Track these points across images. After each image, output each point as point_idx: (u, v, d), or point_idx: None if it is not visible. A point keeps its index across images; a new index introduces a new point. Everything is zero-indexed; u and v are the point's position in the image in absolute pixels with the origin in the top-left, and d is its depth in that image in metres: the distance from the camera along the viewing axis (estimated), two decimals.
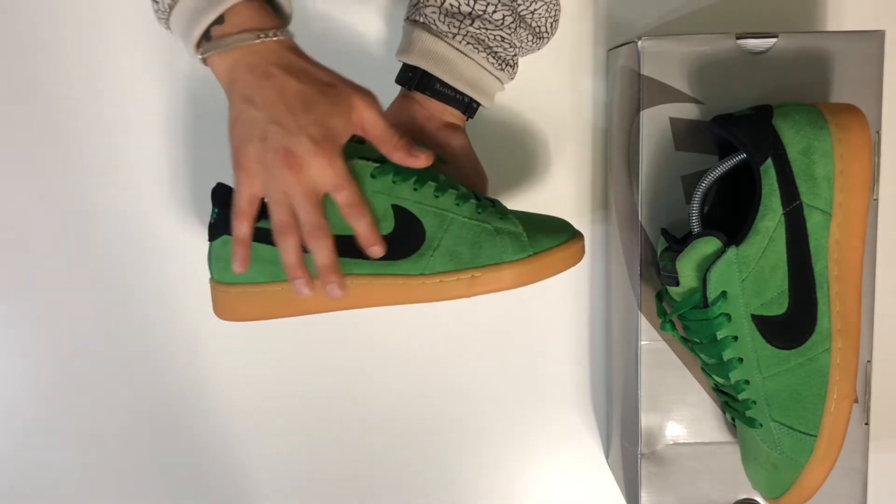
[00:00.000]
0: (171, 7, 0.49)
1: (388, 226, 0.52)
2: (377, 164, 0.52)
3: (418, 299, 0.53)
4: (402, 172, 0.52)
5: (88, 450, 0.72)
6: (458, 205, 0.53)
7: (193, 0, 0.47)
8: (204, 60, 0.50)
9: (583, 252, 0.55)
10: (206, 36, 0.48)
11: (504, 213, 0.54)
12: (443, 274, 0.53)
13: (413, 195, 0.53)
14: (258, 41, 0.48)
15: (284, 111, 0.48)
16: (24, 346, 0.70)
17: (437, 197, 0.53)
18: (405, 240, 0.53)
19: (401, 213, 0.52)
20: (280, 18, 0.51)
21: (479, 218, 0.53)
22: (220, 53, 0.48)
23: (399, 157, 0.51)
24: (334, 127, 0.48)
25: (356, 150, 0.53)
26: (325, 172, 0.48)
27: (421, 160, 0.52)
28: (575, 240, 0.55)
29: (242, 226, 0.50)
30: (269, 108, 0.48)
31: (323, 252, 0.50)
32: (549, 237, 0.54)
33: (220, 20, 0.48)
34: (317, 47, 0.67)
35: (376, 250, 0.51)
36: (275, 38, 0.48)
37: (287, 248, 0.50)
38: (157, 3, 0.49)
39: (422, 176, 0.53)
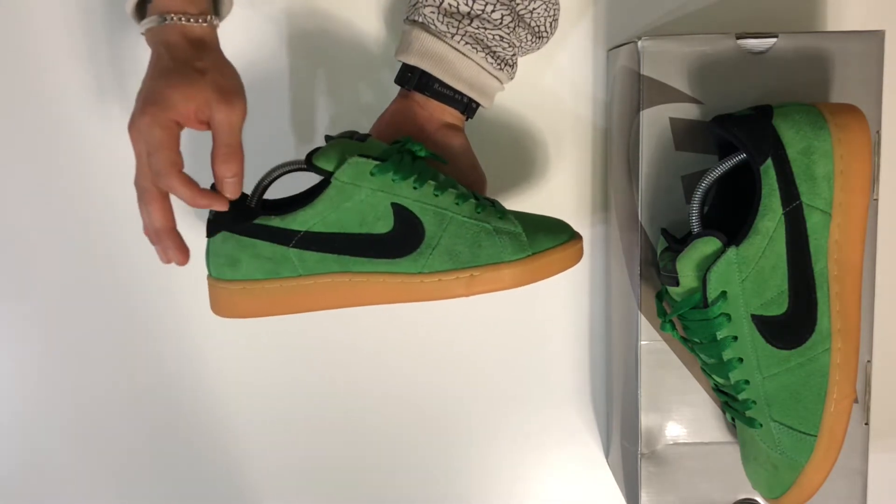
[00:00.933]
0: None
1: (387, 224, 0.52)
2: (377, 162, 0.52)
3: (417, 298, 0.53)
4: (402, 171, 0.52)
5: (89, 449, 0.72)
6: (457, 204, 0.53)
7: None
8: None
9: (581, 253, 0.56)
10: (143, 13, 0.52)
11: (503, 212, 0.54)
12: (442, 273, 0.53)
13: (412, 194, 0.53)
14: (161, 24, 0.51)
15: (145, 81, 0.51)
16: (24, 346, 0.70)
17: (436, 196, 0.53)
18: (404, 238, 0.53)
19: (400, 212, 0.52)
20: (211, 6, 0.53)
21: (478, 217, 0.53)
22: (147, 31, 0.52)
23: (219, 170, 0.52)
24: (168, 97, 0.49)
25: (356, 147, 0.53)
26: (139, 134, 0.49)
27: (228, 191, 0.52)
28: (574, 241, 0.55)
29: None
30: (143, 81, 0.51)
31: (151, 215, 0.51)
32: (548, 237, 0.54)
33: None
34: (316, 47, 0.67)
35: (216, 205, 0.52)
36: (178, 23, 0.51)
37: (143, 214, 0.52)
38: None
39: (421, 174, 0.53)
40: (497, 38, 0.56)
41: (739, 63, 0.57)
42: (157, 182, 0.50)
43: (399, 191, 0.52)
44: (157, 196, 0.51)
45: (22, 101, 0.67)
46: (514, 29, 0.57)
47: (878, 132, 0.57)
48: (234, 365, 0.71)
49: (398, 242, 0.53)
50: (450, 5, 0.55)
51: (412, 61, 0.57)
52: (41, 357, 0.70)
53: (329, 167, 0.52)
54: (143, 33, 0.52)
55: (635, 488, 0.61)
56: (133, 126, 0.50)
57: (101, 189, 0.68)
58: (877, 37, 0.57)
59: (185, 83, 0.50)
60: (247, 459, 0.72)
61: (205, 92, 0.50)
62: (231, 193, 0.52)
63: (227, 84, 0.51)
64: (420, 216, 0.53)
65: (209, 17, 0.52)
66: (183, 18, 0.51)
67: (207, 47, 0.52)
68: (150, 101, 0.49)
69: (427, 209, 0.53)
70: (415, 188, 0.53)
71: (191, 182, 0.50)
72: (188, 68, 0.50)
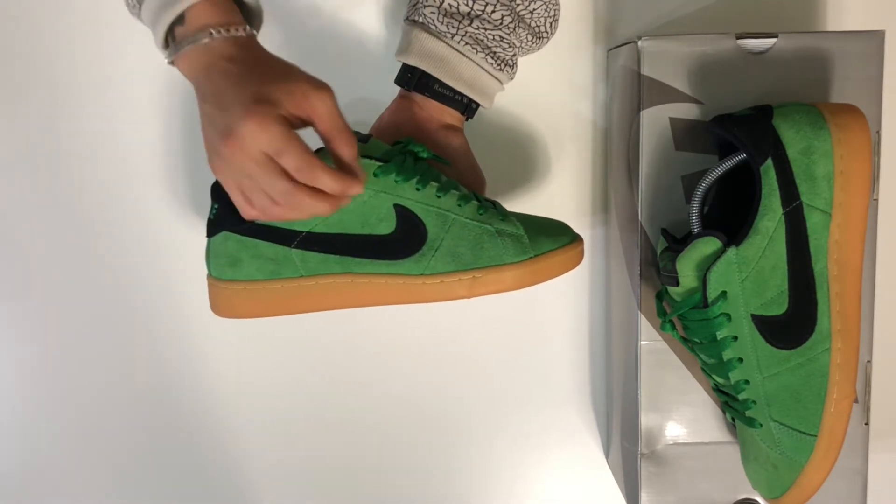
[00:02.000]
0: (140, 4, 0.48)
1: (390, 225, 0.52)
2: (380, 163, 0.52)
3: (419, 299, 0.53)
4: (405, 172, 0.52)
5: (89, 449, 0.72)
6: (459, 205, 0.53)
7: (155, 0, 0.47)
8: (172, 64, 0.49)
9: (582, 255, 0.56)
10: (172, 36, 0.48)
11: (505, 214, 0.54)
12: (444, 274, 0.53)
13: (415, 195, 0.53)
14: (210, 39, 0.47)
15: (224, 92, 0.46)
16: (24, 346, 0.70)
17: (439, 197, 0.53)
18: (406, 240, 0.53)
19: (403, 213, 0.52)
20: (245, 15, 0.50)
21: (480, 219, 0.53)
22: (182, 56, 0.47)
23: (346, 153, 0.48)
24: (270, 94, 0.45)
25: (359, 148, 0.53)
26: (258, 137, 0.44)
27: (359, 173, 0.48)
28: (575, 243, 0.55)
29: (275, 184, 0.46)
30: (215, 97, 0.46)
31: (322, 180, 0.46)
32: (549, 240, 0.54)
33: (180, 20, 0.47)
34: (316, 47, 0.67)
35: (355, 189, 0.48)
36: (227, 35, 0.47)
37: (287, 215, 0.48)
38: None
39: (424, 176, 0.53)
40: (497, 38, 0.56)
41: (739, 63, 0.57)
42: (301, 178, 0.46)
43: (402, 192, 0.52)
44: (303, 188, 0.46)
45: (22, 101, 0.67)
46: (514, 29, 0.57)
47: (878, 132, 0.57)
48: (234, 365, 0.71)
49: (400, 244, 0.53)
50: (450, 6, 0.55)
51: (412, 62, 0.57)
52: (41, 357, 0.70)
53: None
54: (178, 57, 0.48)
55: (635, 488, 0.61)
56: (239, 133, 0.44)
57: (101, 189, 0.68)
58: (877, 37, 0.57)
59: (281, 79, 0.46)
60: (247, 459, 0.72)
61: (301, 85, 0.46)
62: (362, 175, 0.48)
63: (309, 74, 0.47)
64: (422, 217, 0.53)
65: (247, 27, 0.48)
66: (223, 30, 0.47)
67: (265, 52, 0.48)
68: (250, 103, 0.44)
69: (429, 211, 0.53)
70: (417, 189, 0.53)
71: (334, 169, 0.46)
72: (272, 66, 0.47)
